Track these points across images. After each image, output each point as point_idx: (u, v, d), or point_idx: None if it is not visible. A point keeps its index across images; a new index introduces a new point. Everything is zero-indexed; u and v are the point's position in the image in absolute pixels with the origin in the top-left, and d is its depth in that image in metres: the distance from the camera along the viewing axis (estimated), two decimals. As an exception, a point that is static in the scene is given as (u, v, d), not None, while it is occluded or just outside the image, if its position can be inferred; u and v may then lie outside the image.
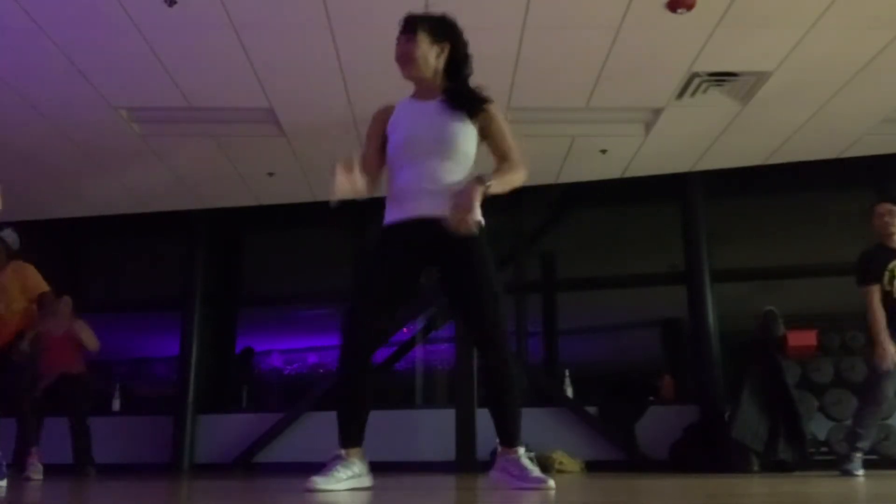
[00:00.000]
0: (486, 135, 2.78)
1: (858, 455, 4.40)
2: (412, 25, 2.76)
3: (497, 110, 2.80)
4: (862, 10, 4.32)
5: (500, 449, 2.65)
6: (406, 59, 2.75)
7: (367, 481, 2.65)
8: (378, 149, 2.82)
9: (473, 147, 2.75)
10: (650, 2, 4.24)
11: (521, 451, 2.61)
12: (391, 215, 2.73)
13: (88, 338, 5.93)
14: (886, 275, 4.53)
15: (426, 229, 2.63)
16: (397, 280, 2.69)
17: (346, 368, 2.64)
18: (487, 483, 2.69)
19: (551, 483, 2.50)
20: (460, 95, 2.76)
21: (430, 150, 2.71)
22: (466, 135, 2.73)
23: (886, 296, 4.51)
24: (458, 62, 2.80)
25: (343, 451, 2.60)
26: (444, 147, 2.70)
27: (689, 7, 4.22)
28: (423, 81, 2.80)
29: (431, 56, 2.75)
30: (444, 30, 2.79)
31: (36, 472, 4.95)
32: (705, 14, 4.34)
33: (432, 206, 2.63)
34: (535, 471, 2.56)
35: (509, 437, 2.62)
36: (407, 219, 2.67)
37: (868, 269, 4.58)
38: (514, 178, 2.70)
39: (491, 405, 2.68)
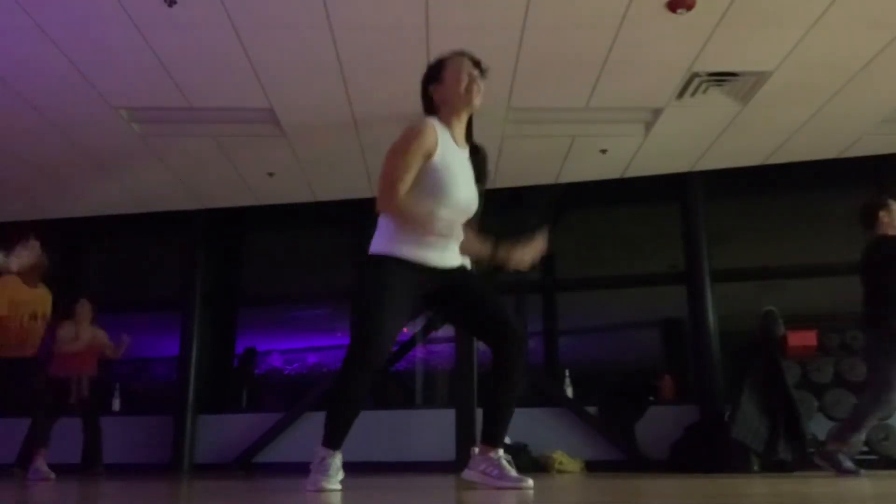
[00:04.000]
0: None
1: (845, 454, 4.34)
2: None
3: None
4: (862, 10, 4.32)
5: (478, 449, 2.73)
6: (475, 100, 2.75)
7: (342, 473, 2.68)
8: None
9: None
10: (650, 2, 4.24)
11: (501, 452, 2.70)
12: (412, 251, 2.67)
13: (111, 348, 6.13)
14: None
15: (441, 275, 2.71)
16: (409, 315, 2.74)
17: (356, 385, 2.60)
18: (462, 481, 2.75)
19: (530, 482, 2.57)
20: (481, 167, 2.82)
21: (465, 209, 2.75)
22: None
23: None
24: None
25: (333, 452, 2.62)
26: (472, 211, 2.78)
27: (689, 7, 4.22)
28: (465, 120, 2.80)
29: None
30: None
31: (48, 475, 4.95)
32: (705, 14, 4.34)
33: (452, 259, 2.74)
34: (514, 471, 2.65)
35: (499, 439, 2.72)
36: (428, 265, 2.69)
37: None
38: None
39: (495, 405, 2.73)
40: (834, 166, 6.38)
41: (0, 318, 5.01)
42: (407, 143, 2.61)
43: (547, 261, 7.45)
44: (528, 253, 2.76)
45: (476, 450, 2.75)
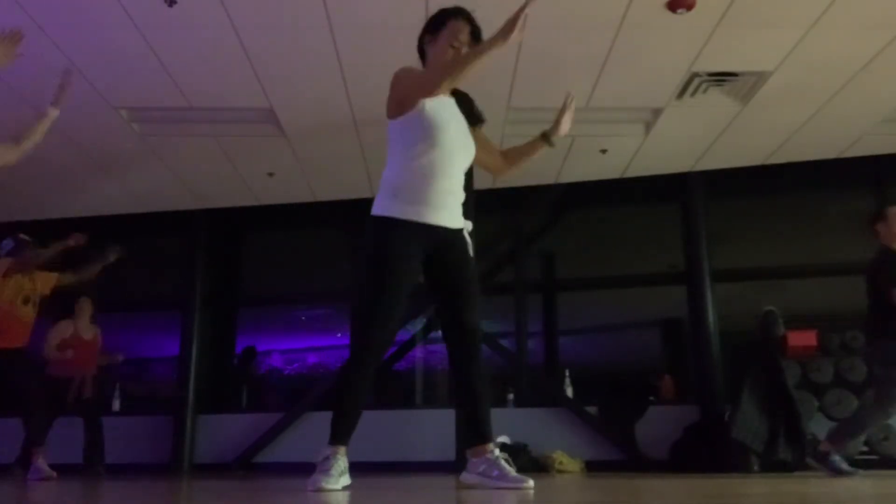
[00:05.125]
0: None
1: (838, 458, 4.34)
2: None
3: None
4: (862, 10, 4.32)
5: (471, 451, 2.68)
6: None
7: (348, 478, 2.66)
8: None
9: None
10: (650, 2, 4.24)
11: (496, 450, 2.66)
12: (414, 209, 2.65)
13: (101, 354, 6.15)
14: None
15: (442, 236, 2.69)
16: (413, 286, 2.71)
17: (363, 372, 2.60)
18: (462, 483, 2.70)
19: (530, 482, 2.53)
20: (470, 110, 2.83)
21: (461, 151, 2.75)
22: None
23: None
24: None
25: (338, 449, 2.60)
26: (469, 154, 2.79)
27: (689, 7, 4.23)
28: None
29: None
30: None
31: (48, 474, 4.94)
32: (705, 14, 4.34)
33: (455, 218, 2.72)
34: (513, 471, 2.60)
35: (488, 433, 2.67)
36: (431, 224, 2.66)
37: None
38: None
39: (470, 404, 2.70)
40: (834, 166, 6.39)
41: None
42: (409, 69, 2.75)
43: (547, 261, 7.52)
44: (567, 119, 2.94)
45: (469, 452, 2.69)
